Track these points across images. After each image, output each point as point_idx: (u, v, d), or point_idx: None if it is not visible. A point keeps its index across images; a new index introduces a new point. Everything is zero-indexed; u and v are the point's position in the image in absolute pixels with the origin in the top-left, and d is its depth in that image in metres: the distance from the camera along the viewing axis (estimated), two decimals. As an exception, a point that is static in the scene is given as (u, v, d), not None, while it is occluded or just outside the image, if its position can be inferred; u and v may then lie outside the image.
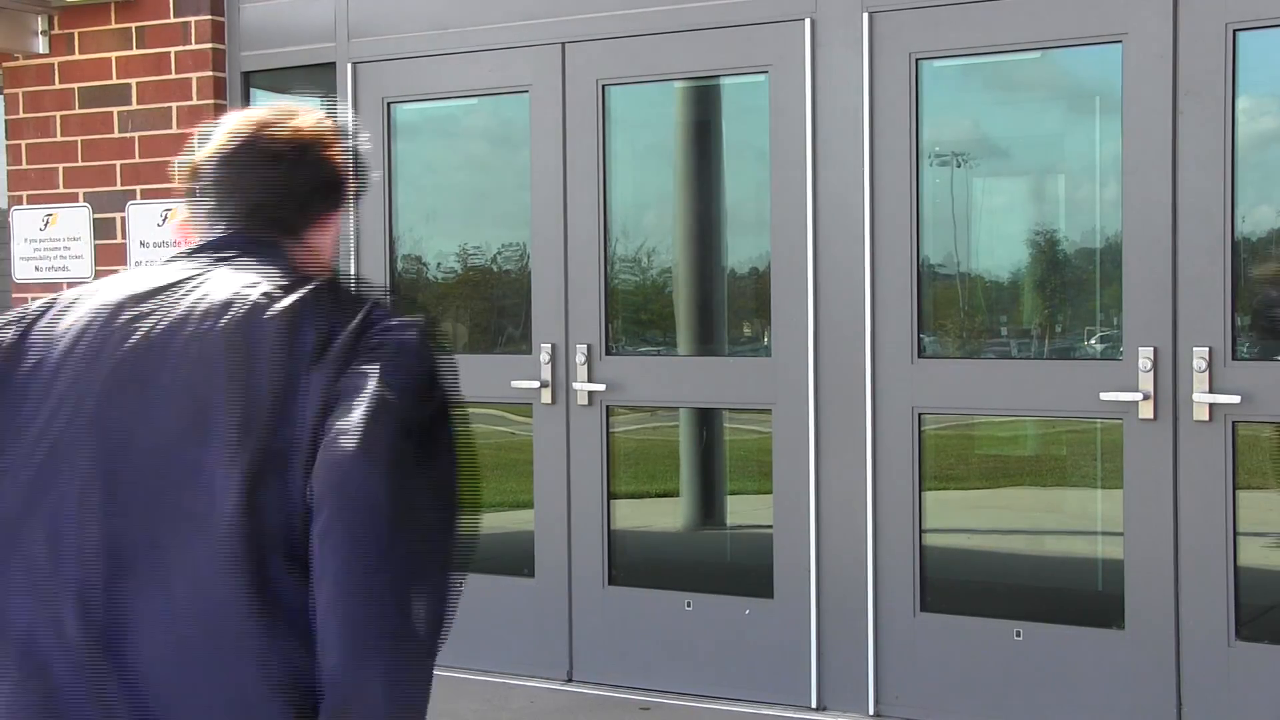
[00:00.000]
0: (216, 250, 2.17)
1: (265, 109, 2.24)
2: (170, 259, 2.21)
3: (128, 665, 1.96)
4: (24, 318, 2.15)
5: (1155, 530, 5.03)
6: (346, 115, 2.39)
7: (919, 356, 5.40)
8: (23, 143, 7.16)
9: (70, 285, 7.03)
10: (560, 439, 6.00)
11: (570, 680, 6.01)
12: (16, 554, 2.02)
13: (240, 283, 2.08)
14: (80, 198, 7.01)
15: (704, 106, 6.13)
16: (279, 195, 2.20)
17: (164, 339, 2.05)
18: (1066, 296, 5.47)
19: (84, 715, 1.96)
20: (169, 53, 6.77)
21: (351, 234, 6.33)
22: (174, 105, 6.77)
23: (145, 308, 2.09)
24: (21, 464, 2.05)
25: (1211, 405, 4.92)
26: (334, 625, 1.91)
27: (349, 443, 1.93)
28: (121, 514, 1.99)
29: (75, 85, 7.00)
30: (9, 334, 2.14)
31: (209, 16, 6.68)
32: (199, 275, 2.12)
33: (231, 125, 2.22)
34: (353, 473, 1.92)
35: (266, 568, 1.95)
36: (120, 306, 2.10)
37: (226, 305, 2.05)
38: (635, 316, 6.19)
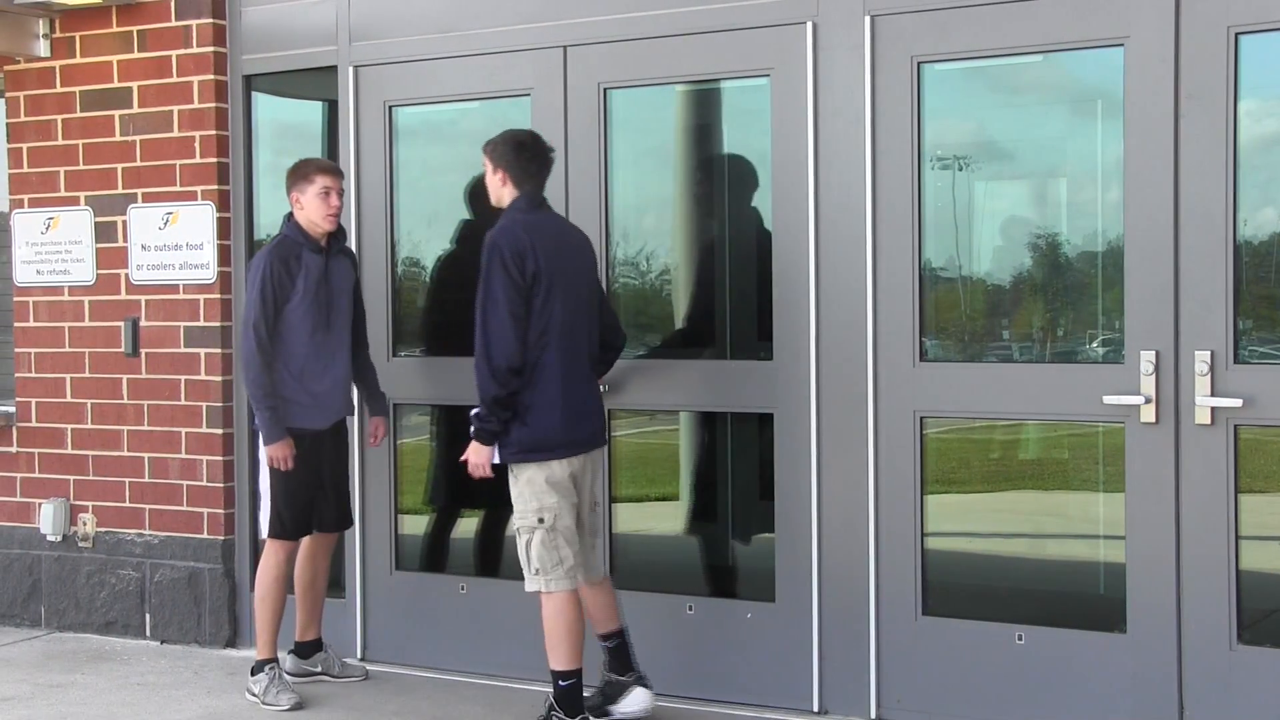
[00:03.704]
0: None
1: None
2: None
3: None
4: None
5: (1157, 534, 5.02)
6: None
7: (921, 360, 5.40)
8: (24, 146, 7.16)
9: (72, 289, 7.04)
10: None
11: (571, 684, 5.99)
12: None
13: None
14: (81, 201, 7.00)
15: (705, 110, 6.13)
16: None
17: None
18: (1068, 300, 5.47)
19: None
20: (170, 56, 6.77)
21: (352, 236, 6.32)
22: (175, 109, 6.76)
23: None
24: None
25: (1213, 409, 4.91)
26: None
27: None
28: None
29: (77, 89, 7.00)
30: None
31: (210, 20, 6.67)
32: None
33: None
34: None
35: None
36: None
37: None
38: (636, 320, 6.18)
